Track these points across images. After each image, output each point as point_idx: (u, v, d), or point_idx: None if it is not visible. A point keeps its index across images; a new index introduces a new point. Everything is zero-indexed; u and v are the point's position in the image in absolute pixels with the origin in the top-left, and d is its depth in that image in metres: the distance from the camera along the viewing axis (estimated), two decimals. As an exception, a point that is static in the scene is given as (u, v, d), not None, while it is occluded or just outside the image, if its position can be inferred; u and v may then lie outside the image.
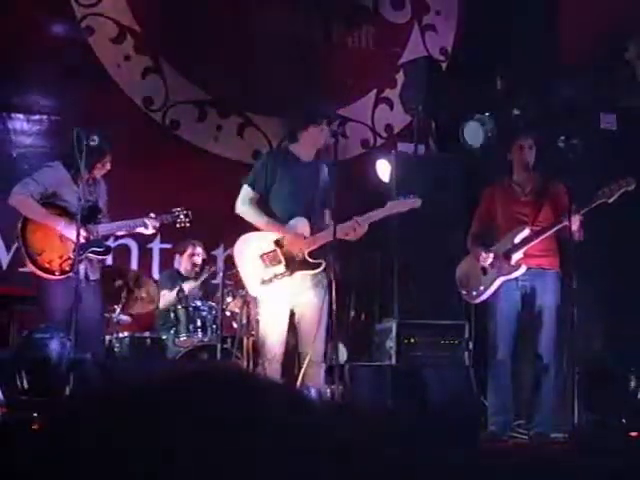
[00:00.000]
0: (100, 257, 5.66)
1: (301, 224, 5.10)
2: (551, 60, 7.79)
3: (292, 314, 5.16)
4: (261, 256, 5.08)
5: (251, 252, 5.11)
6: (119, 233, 5.94)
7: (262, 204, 5.22)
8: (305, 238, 5.08)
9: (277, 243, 5.10)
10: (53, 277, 5.33)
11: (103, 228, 5.60)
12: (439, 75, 8.27)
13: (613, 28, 7.43)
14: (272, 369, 5.06)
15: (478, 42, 8.32)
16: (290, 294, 5.11)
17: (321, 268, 5.05)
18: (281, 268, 5.06)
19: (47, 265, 5.34)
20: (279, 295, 5.10)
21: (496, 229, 5.71)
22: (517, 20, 8.03)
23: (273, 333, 5.10)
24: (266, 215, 5.17)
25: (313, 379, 5.03)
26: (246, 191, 5.25)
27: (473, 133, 7.48)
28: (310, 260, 5.02)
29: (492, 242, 5.68)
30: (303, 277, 5.09)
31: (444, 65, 8.65)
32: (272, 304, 5.12)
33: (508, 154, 5.72)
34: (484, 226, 5.79)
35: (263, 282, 5.05)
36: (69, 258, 5.39)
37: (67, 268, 5.38)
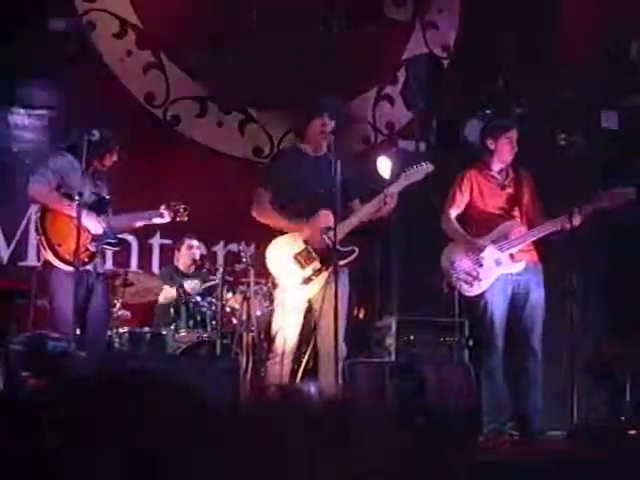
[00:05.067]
0: (113, 249, 5.70)
1: (324, 216, 5.09)
2: (553, 57, 7.79)
3: (309, 309, 5.16)
4: (294, 257, 5.09)
5: (284, 256, 5.12)
6: (136, 224, 5.96)
7: (280, 205, 5.19)
8: (331, 229, 5.07)
9: (307, 241, 5.11)
10: (71, 269, 5.28)
11: (116, 220, 5.62)
12: (440, 72, 8.28)
13: (616, 26, 7.43)
14: (282, 365, 5.07)
15: (479, 39, 8.31)
16: (307, 290, 5.11)
17: (354, 255, 5.05)
18: (317, 264, 5.07)
19: (68, 256, 5.31)
20: (296, 291, 5.11)
21: (478, 217, 5.68)
22: (518, 17, 8.02)
23: (287, 329, 5.10)
24: (285, 217, 5.15)
25: (326, 375, 5.01)
26: (262, 195, 5.23)
27: (474, 130, 7.48)
28: (342, 249, 5.02)
29: (473, 230, 5.64)
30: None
31: (446, 62, 8.64)
32: (289, 300, 5.13)
33: (490, 143, 5.66)
34: (463, 210, 5.75)
35: (304, 282, 5.06)
36: (87, 249, 5.41)
37: (86, 259, 5.39)
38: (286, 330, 5.11)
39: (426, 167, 5.27)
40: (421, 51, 8.66)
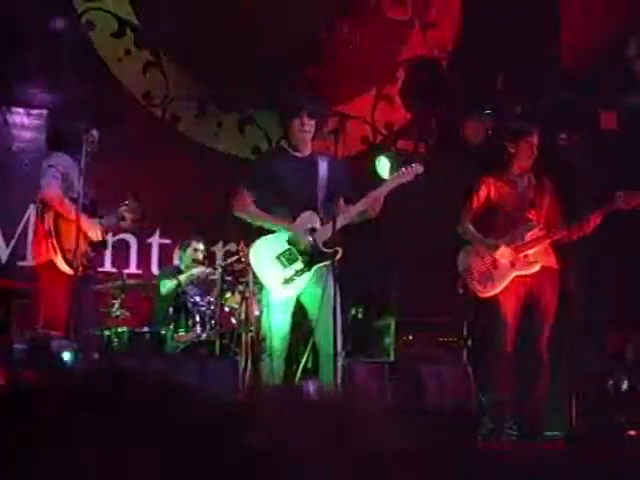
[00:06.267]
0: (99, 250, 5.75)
1: (310, 217, 5.10)
2: (552, 58, 7.79)
3: (303, 309, 5.17)
4: (277, 257, 5.10)
5: (267, 256, 5.13)
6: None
7: (263, 205, 5.20)
8: (315, 230, 5.08)
9: (290, 242, 5.12)
10: (70, 272, 5.30)
11: (107, 221, 5.65)
12: (440, 72, 8.29)
13: (614, 26, 7.43)
14: (275, 364, 5.07)
15: (479, 40, 8.32)
16: (290, 290, 5.12)
17: (338, 256, 5.07)
18: (299, 264, 5.08)
19: (72, 260, 5.35)
20: (279, 291, 5.12)
21: (495, 220, 5.68)
22: (517, 18, 8.02)
23: (274, 329, 5.11)
24: (269, 214, 5.16)
25: (328, 376, 5.00)
26: (244, 196, 5.23)
27: (473, 131, 7.48)
28: (326, 250, 5.03)
29: (490, 234, 5.64)
30: (314, 270, 5.11)
31: (445, 62, 8.65)
32: (272, 300, 5.14)
33: (511, 147, 5.66)
34: (481, 215, 5.75)
35: (285, 282, 5.07)
36: (86, 252, 5.46)
37: (86, 263, 5.44)
38: (273, 330, 5.12)
39: (416, 168, 5.26)
40: (420, 51, 8.66)
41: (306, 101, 5.39)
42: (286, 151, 5.30)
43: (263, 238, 5.18)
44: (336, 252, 5.08)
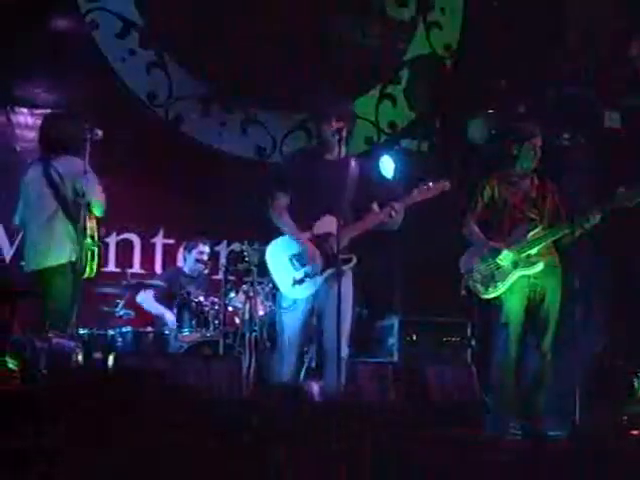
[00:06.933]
0: None
1: (328, 222, 5.09)
2: (555, 58, 7.79)
3: (313, 309, 5.18)
4: (290, 258, 5.11)
5: (281, 255, 5.15)
6: None
7: (297, 208, 5.21)
8: (331, 235, 5.07)
9: (307, 244, 5.13)
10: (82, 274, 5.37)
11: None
12: (443, 72, 8.29)
13: (617, 26, 7.44)
14: (287, 362, 5.09)
15: (482, 39, 8.32)
16: (300, 291, 5.12)
17: (352, 264, 5.07)
18: (312, 267, 5.08)
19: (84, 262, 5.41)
20: (289, 292, 5.13)
21: (498, 221, 5.67)
22: (521, 17, 8.03)
23: (286, 328, 5.13)
24: (297, 227, 5.16)
25: (332, 376, 5.00)
26: (280, 199, 5.23)
27: (477, 130, 7.48)
28: (340, 256, 5.02)
29: (494, 235, 5.63)
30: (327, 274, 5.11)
31: (448, 62, 8.65)
32: (284, 300, 5.15)
33: (514, 148, 5.66)
34: (485, 216, 5.74)
35: (295, 282, 5.08)
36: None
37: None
38: (284, 329, 5.14)
39: (442, 184, 5.25)
40: (424, 51, 8.67)
41: (336, 103, 5.39)
42: (315, 153, 5.29)
43: (279, 238, 5.19)
44: (350, 259, 5.09)
